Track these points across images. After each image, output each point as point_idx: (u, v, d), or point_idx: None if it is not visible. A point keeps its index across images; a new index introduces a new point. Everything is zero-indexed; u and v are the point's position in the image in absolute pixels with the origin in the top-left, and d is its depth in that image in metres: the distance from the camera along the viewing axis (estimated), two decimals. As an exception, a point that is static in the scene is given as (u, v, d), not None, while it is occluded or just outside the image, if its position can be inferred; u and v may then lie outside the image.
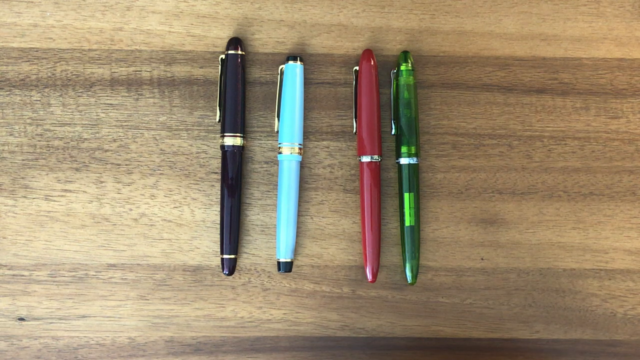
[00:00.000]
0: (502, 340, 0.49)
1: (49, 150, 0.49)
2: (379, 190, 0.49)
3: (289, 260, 0.48)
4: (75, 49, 0.50)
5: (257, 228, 0.49)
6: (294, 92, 0.49)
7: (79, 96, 0.49)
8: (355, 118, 0.49)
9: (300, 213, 0.49)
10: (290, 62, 0.49)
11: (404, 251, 0.48)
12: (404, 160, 0.49)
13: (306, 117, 0.50)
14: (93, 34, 0.50)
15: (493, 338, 0.49)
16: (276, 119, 0.50)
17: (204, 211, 0.49)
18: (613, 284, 0.50)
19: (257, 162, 0.50)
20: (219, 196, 0.49)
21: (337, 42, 0.51)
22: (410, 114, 0.49)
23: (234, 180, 0.48)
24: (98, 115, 0.49)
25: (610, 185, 0.50)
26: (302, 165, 0.50)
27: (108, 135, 0.49)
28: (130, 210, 0.49)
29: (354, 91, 0.50)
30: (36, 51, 0.49)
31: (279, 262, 0.48)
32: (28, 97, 0.49)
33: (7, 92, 0.49)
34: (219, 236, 0.48)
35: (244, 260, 0.49)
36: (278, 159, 0.49)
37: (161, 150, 0.49)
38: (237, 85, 0.49)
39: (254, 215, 0.49)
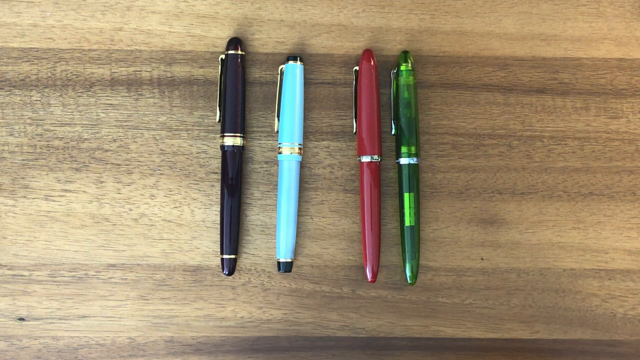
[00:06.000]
0: (502, 340, 0.49)
1: (49, 150, 0.49)
2: (379, 190, 0.49)
3: (289, 260, 0.48)
4: (75, 49, 0.50)
5: (257, 228, 0.49)
6: (294, 92, 0.49)
7: (79, 96, 0.49)
8: (355, 118, 0.49)
9: (300, 213, 0.49)
10: (290, 62, 0.49)
11: (404, 251, 0.48)
12: (404, 160, 0.49)
13: (306, 117, 0.50)
14: (93, 34, 0.50)
15: (493, 338, 0.49)
16: (276, 119, 0.50)
17: (204, 211, 0.49)
18: (613, 284, 0.50)
19: (257, 162, 0.50)
20: (219, 196, 0.49)
21: (337, 42, 0.51)
22: (410, 114, 0.49)
23: (234, 180, 0.48)
24: (98, 115, 0.49)
25: (610, 185, 0.50)
26: (302, 165, 0.50)
27: (108, 135, 0.49)
28: (130, 210, 0.49)
29: (354, 91, 0.50)
30: (36, 51, 0.49)
31: (279, 262, 0.48)
32: (28, 97, 0.49)
33: (7, 92, 0.49)
34: (219, 236, 0.48)
35: (244, 260, 0.49)
36: (278, 159, 0.49)
37: (161, 150, 0.49)
38: (237, 85, 0.49)
39: (254, 215, 0.49)
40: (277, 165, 0.49)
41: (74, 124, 0.49)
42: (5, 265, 0.48)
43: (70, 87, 0.49)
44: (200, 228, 0.49)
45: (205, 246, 0.49)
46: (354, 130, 0.50)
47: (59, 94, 0.49)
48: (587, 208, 0.50)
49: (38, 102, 0.49)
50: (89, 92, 0.49)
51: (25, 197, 0.49)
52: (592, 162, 0.50)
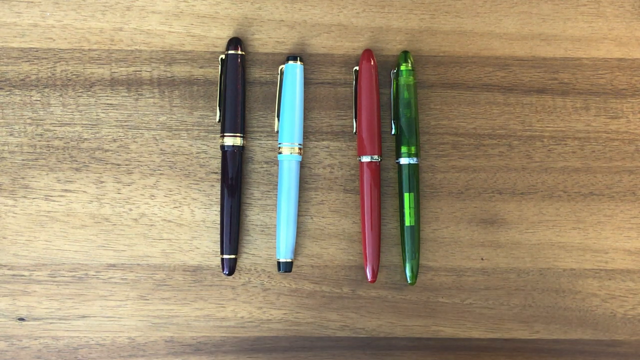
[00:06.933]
0: (502, 340, 0.49)
1: (49, 150, 0.49)
2: (379, 190, 0.49)
3: (289, 260, 0.48)
4: (75, 49, 0.50)
5: (257, 228, 0.49)
6: (294, 92, 0.49)
7: (79, 96, 0.49)
8: (355, 118, 0.49)
9: (300, 213, 0.49)
10: (290, 62, 0.49)
11: (404, 251, 0.48)
12: (404, 160, 0.49)
13: (306, 117, 0.50)
14: (93, 34, 0.50)
15: (493, 338, 0.49)
16: (276, 119, 0.50)
17: (204, 211, 0.49)
18: (613, 284, 0.50)
19: (257, 162, 0.50)
20: (219, 196, 0.49)
21: (337, 42, 0.51)
22: (410, 114, 0.49)
23: (234, 180, 0.48)
24: (98, 115, 0.49)
25: (610, 185, 0.50)
26: (302, 165, 0.50)
27: (108, 135, 0.49)
28: (130, 210, 0.49)
29: (354, 91, 0.50)
30: (36, 51, 0.49)
31: (279, 262, 0.48)
32: (28, 97, 0.49)
33: (7, 92, 0.49)
34: (219, 236, 0.48)
35: (244, 260, 0.49)
36: (278, 159, 0.49)
37: (161, 150, 0.49)
38: (237, 85, 0.49)
39: (254, 215, 0.49)
40: (277, 165, 0.49)
41: (74, 124, 0.49)
42: (5, 265, 0.48)
43: (70, 87, 0.49)
44: (200, 228, 0.49)
45: (205, 246, 0.49)
46: (354, 130, 0.50)
47: (59, 94, 0.49)
48: (587, 208, 0.50)
49: (38, 102, 0.49)
50: (89, 92, 0.49)
51: (25, 197, 0.49)
52: (592, 162, 0.50)
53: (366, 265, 0.48)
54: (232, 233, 0.48)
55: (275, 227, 0.49)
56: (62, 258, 0.48)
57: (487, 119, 0.50)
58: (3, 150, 0.49)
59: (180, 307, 0.49)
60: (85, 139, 0.49)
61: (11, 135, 0.49)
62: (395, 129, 0.50)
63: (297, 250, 0.49)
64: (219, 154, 0.49)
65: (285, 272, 0.48)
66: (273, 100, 0.50)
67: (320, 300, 0.49)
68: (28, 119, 0.49)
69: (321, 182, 0.50)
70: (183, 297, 0.49)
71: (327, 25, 0.51)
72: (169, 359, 0.48)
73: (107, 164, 0.49)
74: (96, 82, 0.50)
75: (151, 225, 0.49)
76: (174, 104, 0.50)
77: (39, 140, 0.49)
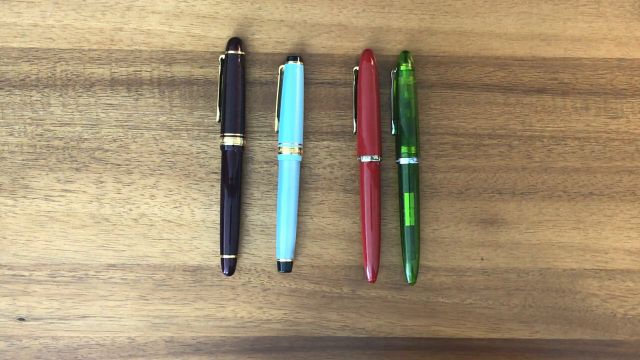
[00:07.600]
0: (502, 340, 0.49)
1: (49, 150, 0.49)
2: (379, 190, 0.49)
3: (289, 260, 0.48)
4: (75, 49, 0.50)
5: (257, 228, 0.49)
6: (294, 92, 0.49)
7: (79, 96, 0.49)
8: (355, 118, 0.49)
9: (300, 213, 0.49)
10: (290, 62, 0.49)
11: (404, 251, 0.48)
12: (404, 160, 0.49)
13: (306, 117, 0.50)
14: (93, 34, 0.50)
15: (493, 338, 0.49)
16: (276, 119, 0.50)
17: (204, 211, 0.49)
18: (613, 284, 0.50)
19: (257, 162, 0.50)
20: (219, 196, 0.49)
21: (337, 42, 0.51)
22: (410, 114, 0.49)
23: (234, 180, 0.48)
24: (98, 115, 0.49)
25: (610, 185, 0.50)
26: (302, 165, 0.50)
27: (108, 135, 0.49)
28: (130, 210, 0.49)
29: (354, 91, 0.50)
30: (36, 51, 0.49)
31: (279, 262, 0.48)
32: (28, 97, 0.49)
33: (7, 92, 0.49)
34: (219, 236, 0.48)
35: (244, 260, 0.49)
36: (278, 159, 0.49)
37: (161, 150, 0.49)
38: (237, 85, 0.49)
39: (254, 215, 0.49)
40: (277, 165, 0.49)
41: (74, 124, 0.49)
42: (5, 265, 0.48)
43: (70, 87, 0.49)
44: (200, 228, 0.49)
45: (205, 246, 0.49)
46: (354, 130, 0.50)
47: (59, 94, 0.49)
48: (587, 208, 0.50)
49: (38, 102, 0.49)
50: (89, 92, 0.49)
51: (25, 197, 0.49)
52: (592, 162, 0.50)
53: (366, 265, 0.48)
54: (232, 233, 0.48)
55: (275, 227, 0.49)
56: (62, 258, 0.48)
57: (487, 119, 0.50)
58: (3, 150, 0.49)
59: (180, 307, 0.49)
60: (85, 139, 0.49)
61: (11, 135, 0.49)
62: (395, 129, 0.50)
63: (297, 250, 0.49)
64: (219, 154, 0.49)
65: (285, 272, 0.48)
66: (273, 100, 0.50)
67: (320, 300, 0.49)
68: (28, 119, 0.49)
69: (321, 182, 0.50)
70: (183, 297, 0.49)
71: (327, 25, 0.51)
72: (169, 359, 0.48)
73: (107, 164, 0.49)
74: (96, 82, 0.50)
75: (151, 225, 0.49)
76: (174, 104, 0.50)
77: (39, 140, 0.49)
